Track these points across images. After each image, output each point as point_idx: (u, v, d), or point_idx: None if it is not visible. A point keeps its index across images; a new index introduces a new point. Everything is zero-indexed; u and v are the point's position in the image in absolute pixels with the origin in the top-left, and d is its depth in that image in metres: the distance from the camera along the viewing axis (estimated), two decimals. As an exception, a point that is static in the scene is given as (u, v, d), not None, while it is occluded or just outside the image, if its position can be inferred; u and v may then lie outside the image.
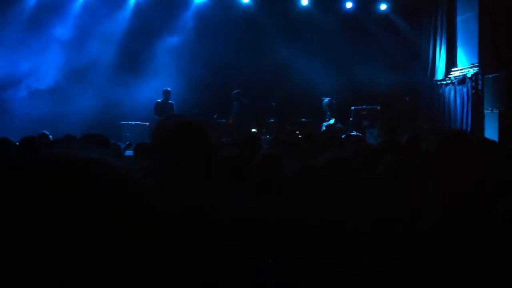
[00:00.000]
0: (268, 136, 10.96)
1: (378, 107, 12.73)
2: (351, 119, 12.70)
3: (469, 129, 11.57)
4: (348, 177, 1.49)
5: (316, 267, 1.27)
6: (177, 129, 1.85)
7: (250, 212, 1.38)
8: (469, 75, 11.92)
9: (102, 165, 0.94)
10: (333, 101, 12.20)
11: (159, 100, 12.06)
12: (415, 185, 1.60)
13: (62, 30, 12.74)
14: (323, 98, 12.33)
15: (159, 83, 12.52)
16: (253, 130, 11.90)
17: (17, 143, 6.29)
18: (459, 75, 12.43)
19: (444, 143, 1.65)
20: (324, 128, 11.71)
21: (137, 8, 13.61)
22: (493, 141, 5.73)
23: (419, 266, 1.40)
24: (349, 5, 14.34)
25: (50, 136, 7.27)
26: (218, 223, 1.32)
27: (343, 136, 8.32)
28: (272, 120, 12.53)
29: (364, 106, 12.76)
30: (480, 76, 11.43)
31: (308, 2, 14.23)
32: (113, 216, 0.87)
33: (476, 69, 11.65)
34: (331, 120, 11.93)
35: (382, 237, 1.37)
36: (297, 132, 11.98)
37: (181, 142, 1.77)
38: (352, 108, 12.72)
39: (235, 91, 12.37)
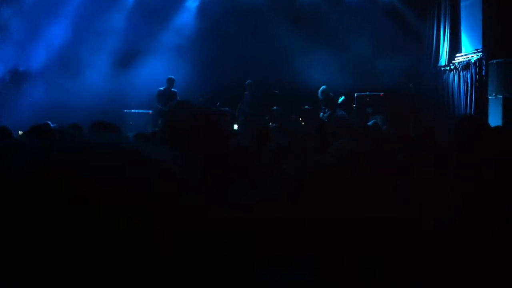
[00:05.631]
0: (271, 124, 10.94)
1: (382, 94, 12.68)
2: (354, 106, 12.65)
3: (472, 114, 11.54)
4: (366, 171, 1.48)
5: (332, 267, 1.26)
6: (188, 119, 1.82)
7: (261, 209, 1.36)
8: (473, 61, 11.86)
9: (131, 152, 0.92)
10: (327, 89, 12.15)
11: (162, 88, 12.04)
12: (430, 179, 1.58)
13: (63, 19, 12.68)
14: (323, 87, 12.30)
15: (161, 72, 12.48)
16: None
17: (21, 133, 6.30)
18: (463, 61, 12.36)
19: (466, 133, 1.64)
20: (325, 120, 11.64)
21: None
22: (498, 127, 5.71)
23: (438, 264, 1.39)
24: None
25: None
26: (229, 220, 1.31)
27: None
28: (275, 108, 12.50)
29: (367, 93, 12.71)
30: (484, 62, 11.37)
31: (312, -10, 14.13)
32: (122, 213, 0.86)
33: (480, 54, 11.59)
34: (327, 111, 11.88)
35: (397, 235, 1.36)
36: (300, 119, 11.95)
37: (192, 132, 1.75)
38: (355, 94, 12.66)
39: (248, 81, 12.34)
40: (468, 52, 12.27)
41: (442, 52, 13.39)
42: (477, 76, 11.64)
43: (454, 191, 1.57)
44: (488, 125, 4.46)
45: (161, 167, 0.95)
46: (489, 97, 10.78)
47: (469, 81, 12.00)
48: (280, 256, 1.24)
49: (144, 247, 0.85)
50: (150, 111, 12.34)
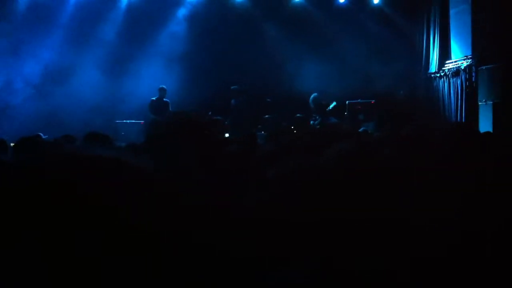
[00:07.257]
0: (263, 132, 10.93)
1: (373, 101, 12.73)
2: (345, 113, 12.69)
3: (463, 121, 11.61)
4: (355, 170, 1.49)
5: (331, 267, 1.27)
6: (172, 127, 1.82)
7: (259, 211, 1.37)
8: (462, 67, 11.95)
9: (115, 163, 0.93)
10: (318, 97, 12.19)
11: (154, 98, 12.04)
12: (420, 180, 1.59)
13: (54, 30, 12.67)
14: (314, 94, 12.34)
15: (153, 81, 12.48)
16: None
17: (13, 144, 6.26)
18: (453, 68, 12.46)
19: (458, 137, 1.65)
20: (317, 127, 11.65)
21: (130, 6, 13.54)
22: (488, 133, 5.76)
23: (433, 265, 1.39)
24: (342, -1, 14.36)
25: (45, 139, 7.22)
26: (231, 222, 1.31)
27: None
28: (267, 116, 12.50)
29: (359, 100, 12.76)
30: (473, 68, 11.46)
31: (301, -3, 14.22)
32: (118, 215, 0.87)
33: (469, 61, 11.69)
34: (317, 118, 11.91)
35: (395, 236, 1.37)
36: (292, 127, 11.94)
37: (176, 140, 1.74)
38: (347, 102, 12.71)
39: (232, 87, 12.29)
40: (458, 58, 12.37)
41: (432, 59, 13.49)
42: (467, 83, 11.73)
43: (452, 191, 1.58)
44: (478, 131, 4.50)
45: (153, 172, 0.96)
46: (479, 103, 10.86)
47: (459, 87, 12.09)
48: (280, 258, 1.24)
49: (146, 248, 0.86)
50: (142, 121, 12.31)
